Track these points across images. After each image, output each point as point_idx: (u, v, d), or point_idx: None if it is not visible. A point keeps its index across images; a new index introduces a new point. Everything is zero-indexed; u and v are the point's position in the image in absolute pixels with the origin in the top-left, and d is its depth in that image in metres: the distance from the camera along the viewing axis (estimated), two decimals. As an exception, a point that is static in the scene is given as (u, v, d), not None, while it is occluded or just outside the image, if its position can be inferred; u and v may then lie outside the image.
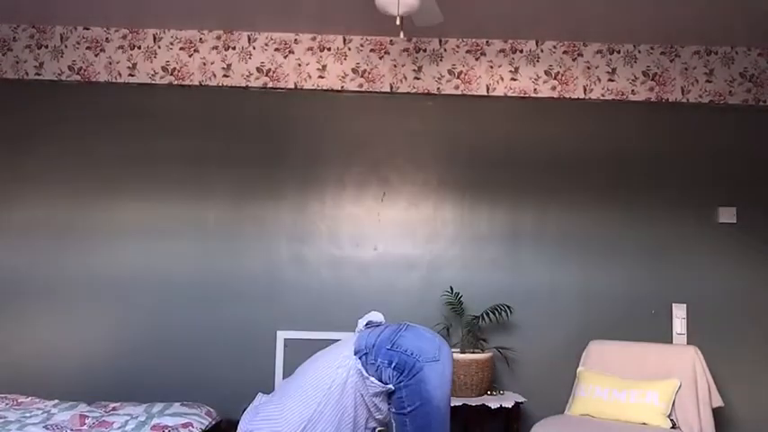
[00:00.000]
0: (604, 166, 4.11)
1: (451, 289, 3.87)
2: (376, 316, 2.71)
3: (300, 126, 4.09)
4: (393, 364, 2.42)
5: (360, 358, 2.47)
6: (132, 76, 4.09)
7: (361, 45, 4.16)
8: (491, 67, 4.16)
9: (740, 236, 4.05)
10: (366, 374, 2.45)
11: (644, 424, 3.26)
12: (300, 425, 2.39)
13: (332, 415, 2.42)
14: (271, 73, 4.12)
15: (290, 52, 4.14)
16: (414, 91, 4.13)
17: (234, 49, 4.13)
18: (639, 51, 4.18)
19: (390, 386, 2.44)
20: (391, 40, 4.16)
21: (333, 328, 3.92)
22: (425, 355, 2.43)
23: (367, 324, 2.67)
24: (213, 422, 3.26)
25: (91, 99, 4.06)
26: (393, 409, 2.47)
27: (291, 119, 4.10)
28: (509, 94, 4.15)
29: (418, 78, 4.14)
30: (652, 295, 4.01)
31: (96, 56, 4.09)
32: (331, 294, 3.99)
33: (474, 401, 3.50)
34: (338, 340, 3.98)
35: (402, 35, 2.88)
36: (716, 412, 3.42)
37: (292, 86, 4.12)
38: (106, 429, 2.88)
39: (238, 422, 2.56)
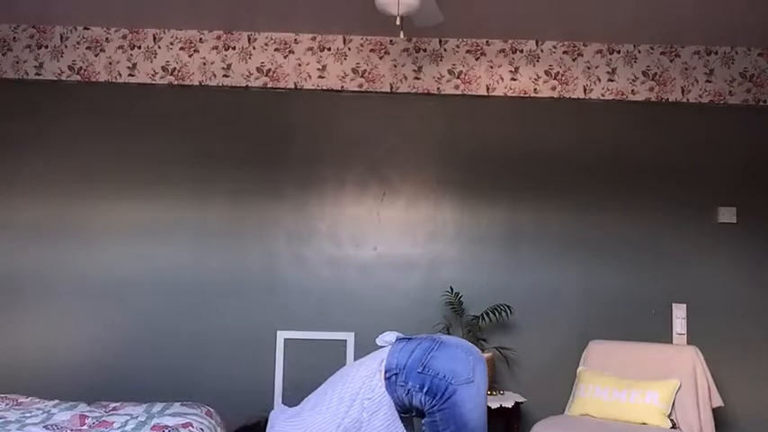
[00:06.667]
0: (604, 167, 4.10)
1: (451, 289, 3.87)
2: (390, 336, 2.58)
3: (300, 126, 4.09)
4: (425, 389, 2.32)
5: (388, 378, 2.37)
6: (132, 76, 4.09)
7: (361, 45, 4.16)
8: (491, 67, 4.16)
9: (740, 236, 4.05)
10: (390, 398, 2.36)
11: (644, 424, 3.26)
12: None
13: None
14: (271, 73, 4.12)
15: (290, 52, 4.13)
16: (414, 91, 4.13)
17: (234, 49, 4.12)
18: (639, 51, 4.18)
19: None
20: (391, 40, 4.16)
21: (333, 328, 3.92)
22: (459, 377, 2.32)
23: (397, 339, 2.54)
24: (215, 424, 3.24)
25: (91, 99, 4.06)
26: None
27: (291, 119, 4.10)
28: (509, 94, 4.15)
29: (418, 78, 4.14)
30: (652, 295, 4.00)
31: (96, 56, 4.09)
32: (331, 294, 3.99)
33: (474, 401, 3.49)
34: (338, 341, 3.99)
35: (402, 35, 2.88)
36: (716, 412, 3.42)
37: (292, 86, 4.12)
38: (106, 429, 2.88)
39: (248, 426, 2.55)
